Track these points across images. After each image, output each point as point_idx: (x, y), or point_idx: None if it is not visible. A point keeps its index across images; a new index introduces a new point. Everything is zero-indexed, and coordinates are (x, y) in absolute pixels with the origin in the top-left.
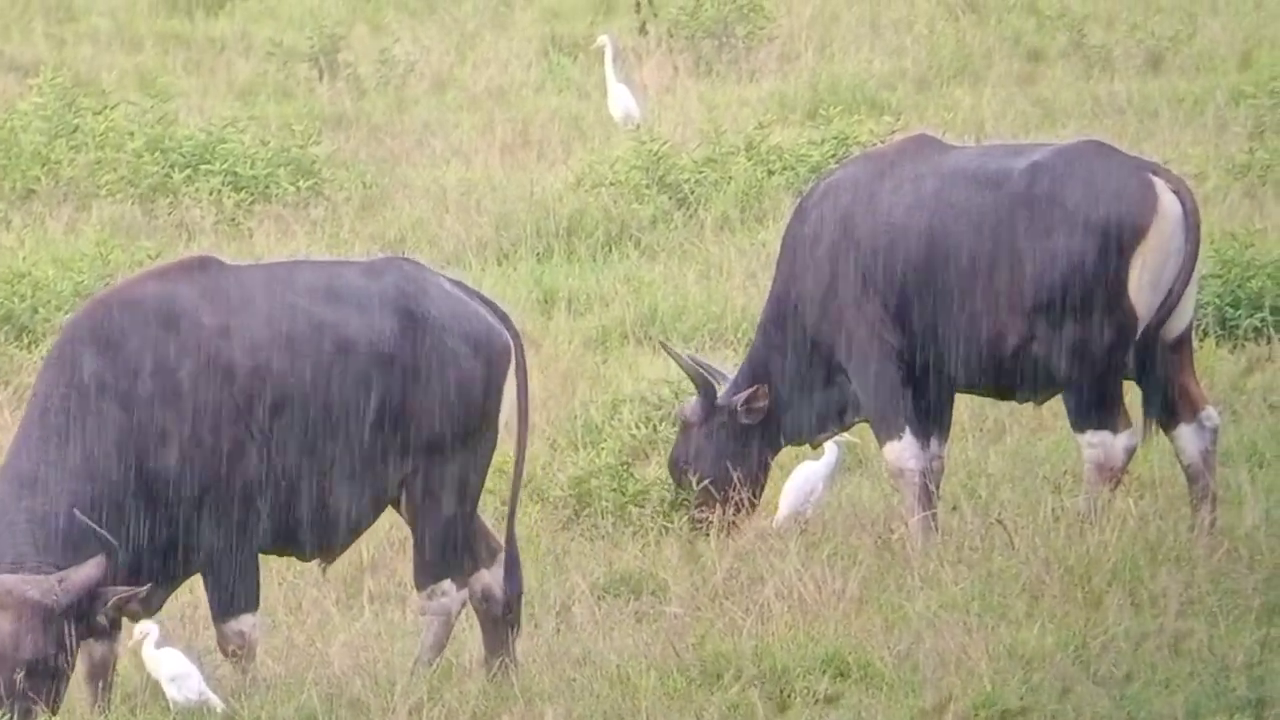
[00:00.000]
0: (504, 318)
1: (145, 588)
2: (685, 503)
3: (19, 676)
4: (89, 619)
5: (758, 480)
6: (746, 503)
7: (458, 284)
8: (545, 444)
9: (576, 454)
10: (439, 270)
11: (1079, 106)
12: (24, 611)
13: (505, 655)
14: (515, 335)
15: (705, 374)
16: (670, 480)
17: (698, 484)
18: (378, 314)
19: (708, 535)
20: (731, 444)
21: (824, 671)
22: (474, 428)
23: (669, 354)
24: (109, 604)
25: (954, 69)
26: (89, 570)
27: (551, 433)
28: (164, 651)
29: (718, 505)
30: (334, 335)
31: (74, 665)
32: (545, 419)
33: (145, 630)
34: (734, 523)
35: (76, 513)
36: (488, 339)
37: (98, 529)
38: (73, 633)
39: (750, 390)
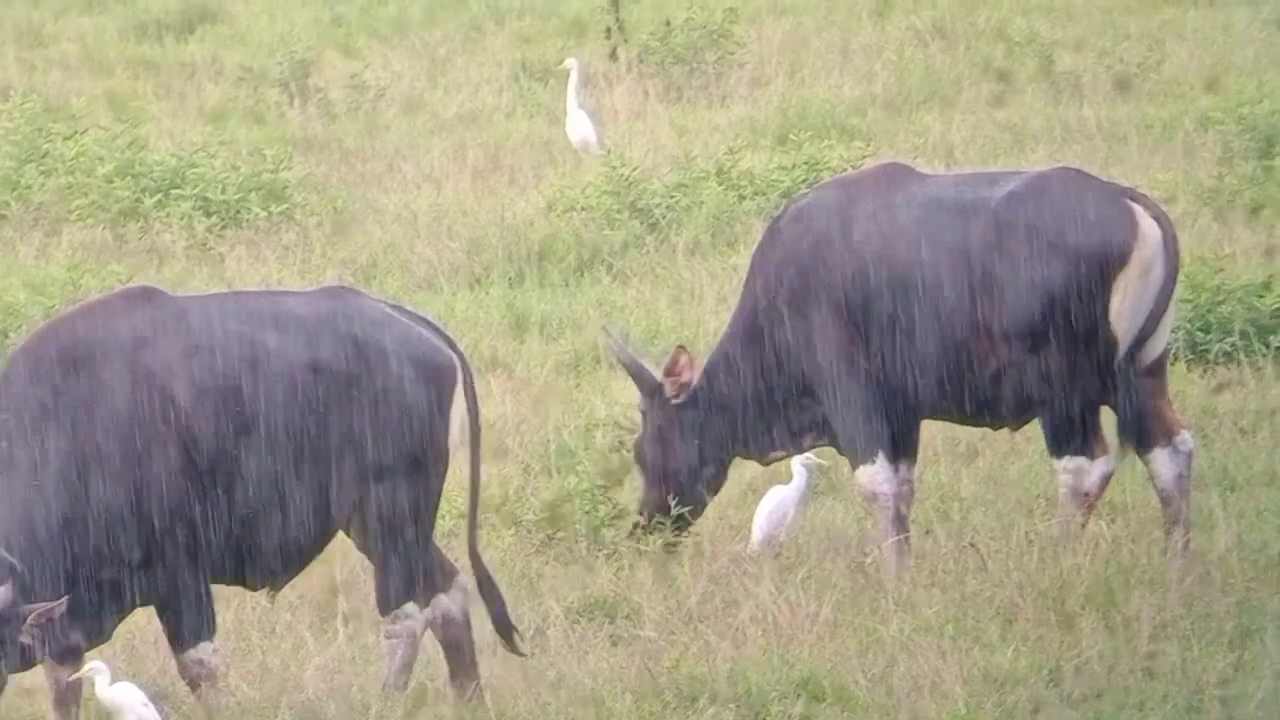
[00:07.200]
0: (449, 341)
1: (62, 600)
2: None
3: None
4: (8, 640)
5: (714, 479)
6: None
7: (400, 309)
8: (518, 468)
9: (550, 478)
10: (379, 297)
11: (1048, 132)
12: None
13: (472, 679)
14: (461, 358)
15: (641, 363)
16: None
17: (651, 471)
18: (323, 341)
19: (679, 557)
20: (680, 434)
21: (799, 695)
22: (423, 452)
23: (608, 342)
24: (26, 621)
25: (923, 94)
26: None
27: (525, 457)
28: (118, 687)
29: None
30: (279, 363)
31: (1, 689)
32: (518, 443)
33: (96, 669)
34: (687, 523)
35: None
36: (433, 363)
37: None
38: None
39: (669, 360)
